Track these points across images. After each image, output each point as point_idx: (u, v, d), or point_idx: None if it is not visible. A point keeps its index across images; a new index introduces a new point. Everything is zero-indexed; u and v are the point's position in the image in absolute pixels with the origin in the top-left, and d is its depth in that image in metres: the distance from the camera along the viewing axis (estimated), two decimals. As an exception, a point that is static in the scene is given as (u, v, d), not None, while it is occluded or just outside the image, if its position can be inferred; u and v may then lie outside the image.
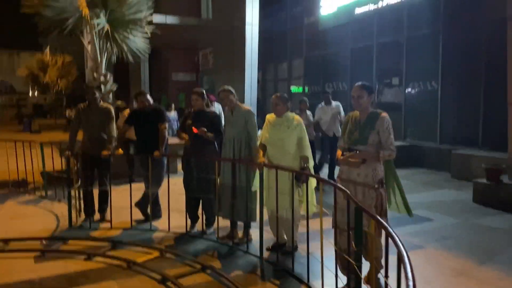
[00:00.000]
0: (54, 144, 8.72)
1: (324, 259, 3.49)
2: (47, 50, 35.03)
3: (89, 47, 9.52)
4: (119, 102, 9.99)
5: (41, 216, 6.16)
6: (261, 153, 4.49)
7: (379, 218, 2.48)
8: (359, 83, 3.58)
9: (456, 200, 7.07)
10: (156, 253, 4.56)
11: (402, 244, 2.01)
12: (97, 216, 5.82)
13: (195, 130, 4.93)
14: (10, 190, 7.79)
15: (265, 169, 4.37)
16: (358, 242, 2.71)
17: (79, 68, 30.80)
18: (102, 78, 9.40)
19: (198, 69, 22.00)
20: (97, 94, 5.71)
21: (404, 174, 8.42)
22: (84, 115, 5.70)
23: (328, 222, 3.70)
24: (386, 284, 2.44)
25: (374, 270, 3.04)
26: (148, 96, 5.82)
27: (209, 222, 5.30)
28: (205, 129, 4.91)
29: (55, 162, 8.17)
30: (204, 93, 5.40)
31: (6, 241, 4.88)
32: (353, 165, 3.42)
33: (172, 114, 12.46)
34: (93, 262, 4.38)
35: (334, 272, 3.30)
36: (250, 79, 14.12)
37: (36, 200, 7.14)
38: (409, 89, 11.08)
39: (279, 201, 4.11)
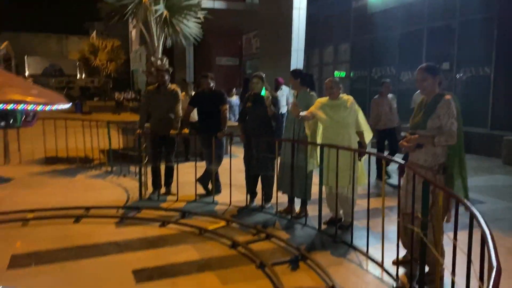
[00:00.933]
0: (111, 123, 9.30)
1: (383, 233, 3.78)
2: (94, 34, 36.37)
3: (133, 32, 10.06)
4: (173, 86, 10.47)
5: (111, 189, 6.74)
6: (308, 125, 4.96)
7: (449, 190, 2.70)
8: (423, 65, 3.53)
9: (508, 185, 7.11)
10: (222, 223, 4.98)
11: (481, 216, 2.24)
12: (163, 189, 6.31)
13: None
14: (78, 166, 8.47)
15: (324, 149, 4.66)
16: (424, 212, 2.97)
17: (126, 52, 31.94)
18: (158, 62, 9.89)
19: (241, 54, 22.35)
20: (167, 77, 6.15)
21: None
22: (154, 97, 6.16)
23: (388, 200, 3.96)
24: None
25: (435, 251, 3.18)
26: (210, 79, 6.19)
27: (268, 198, 5.67)
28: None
29: (117, 141, 8.84)
30: (264, 76, 5.72)
31: (87, 208, 5.44)
32: (408, 148, 3.50)
33: (234, 99, 12.37)
34: (167, 228, 4.85)
35: (396, 244, 3.58)
36: (296, 64, 14.28)
37: (103, 175, 7.74)
38: (460, 75, 10.96)
39: (339, 178, 4.39)
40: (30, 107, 2.64)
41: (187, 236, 4.59)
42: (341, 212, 4.89)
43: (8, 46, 10.15)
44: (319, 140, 4.90)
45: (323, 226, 4.82)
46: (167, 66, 9.95)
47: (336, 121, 4.68)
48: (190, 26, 10.33)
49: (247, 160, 5.69)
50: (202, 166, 6.27)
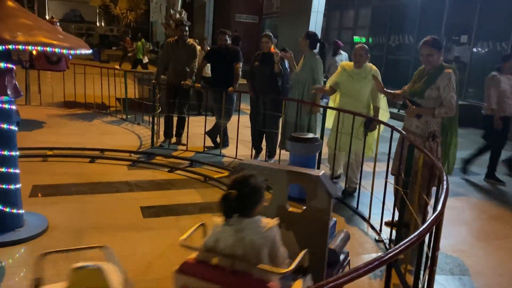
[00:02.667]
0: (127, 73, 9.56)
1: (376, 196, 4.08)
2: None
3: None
4: (191, 40, 10.62)
5: (125, 135, 7.11)
6: (318, 97, 5.05)
7: (424, 150, 2.96)
8: (428, 39, 3.60)
9: (506, 159, 7.28)
10: (226, 173, 5.31)
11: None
12: (174, 139, 6.65)
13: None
14: (95, 111, 8.84)
15: (336, 114, 4.78)
16: (407, 172, 3.24)
17: (146, 2, 31.72)
18: (177, 15, 10.01)
19: (261, 11, 22.10)
20: (186, 31, 6.34)
21: (460, 133, 8.58)
22: (172, 50, 6.38)
23: (383, 166, 4.21)
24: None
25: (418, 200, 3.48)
26: (227, 36, 6.37)
27: (271, 154, 5.98)
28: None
29: (133, 90, 9.16)
30: (272, 36, 5.90)
31: (102, 150, 5.82)
32: (409, 114, 3.70)
33: None
34: (175, 174, 5.23)
35: (381, 203, 3.88)
36: (315, 26, 14.20)
37: (118, 121, 8.11)
38: (477, 48, 10.89)
39: (351, 144, 4.51)
40: (56, 50, 2.91)
41: (193, 182, 4.96)
42: (339, 171, 5.17)
43: (31, -11, 10.34)
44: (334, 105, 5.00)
45: None
46: (185, 19, 10.06)
47: (350, 91, 4.72)
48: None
49: (253, 116, 5.96)
50: (212, 120, 6.56)
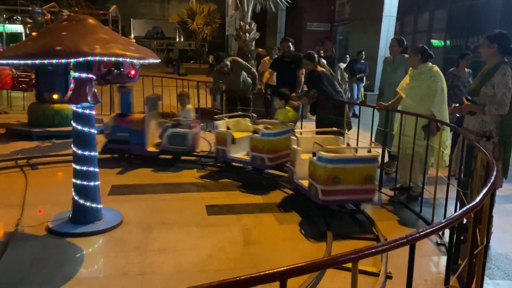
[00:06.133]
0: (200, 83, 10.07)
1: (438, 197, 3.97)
2: (193, -1, 37.85)
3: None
4: (260, 50, 10.96)
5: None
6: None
7: (482, 148, 2.84)
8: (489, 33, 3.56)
9: None
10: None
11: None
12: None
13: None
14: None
15: (399, 116, 4.65)
16: (466, 173, 3.14)
17: (221, 17, 33.01)
18: (247, 27, 10.38)
19: (333, 19, 22.02)
20: (227, 66, 6.54)
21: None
22: (221, 77, 6.73)
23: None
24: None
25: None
26: (290, 43, 6.54)
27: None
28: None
29: (205, 100, 9.64)
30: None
31: (176, 154, 6.22)
32: (461, 111, 3.57)
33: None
34: (242, 176, 5.45)
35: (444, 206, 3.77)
36: (387, 31, 13.93)
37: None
38: None
39: (411, 146, 4.40)
40: (128, 59, 3.26)
41: (256, 185, 5.14)
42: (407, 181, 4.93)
43: (116, 10, 11.32)
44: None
45: (389, 192, 4.90)
46: (254, 31, 10.40)
47: (406, 91, 4.64)
48: (280, -9, 10.64)
49: (317, 123, 6.03)
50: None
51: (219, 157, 5.59)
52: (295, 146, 4.51)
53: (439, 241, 3.68)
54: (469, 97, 3.60)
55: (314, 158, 3.96)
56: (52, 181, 5.08)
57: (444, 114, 4.41)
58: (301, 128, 6.08)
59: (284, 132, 5.17)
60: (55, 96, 7.16)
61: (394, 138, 4.89)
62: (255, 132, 5.15)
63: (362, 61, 11.24)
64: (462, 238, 3.23)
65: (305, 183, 4.23)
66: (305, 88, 6.46)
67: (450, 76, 6.39)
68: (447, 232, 3.78)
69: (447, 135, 4.45)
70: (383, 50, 13.94)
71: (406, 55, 5.23)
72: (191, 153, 6.06)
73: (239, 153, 5.49)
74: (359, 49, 14.66)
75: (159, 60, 3.68)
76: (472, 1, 12.89)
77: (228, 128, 5.49)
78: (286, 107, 5.61)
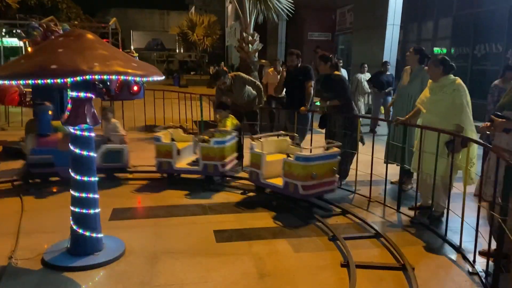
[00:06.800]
0: (203, 96, 9.82)
1: (464, 219, 3.66)
2: (193, 9, 37.86)
3: (229, 8, 10.37)
4: (263, 61, 10.72)
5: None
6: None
7: None
8: None
9: None
10: (300, 196, 5.15)
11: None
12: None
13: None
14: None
15: (419, 132, 4.36)
16: (505, 197, 2.85)
17: (221, 27, 32.98)
18: (250, 38, 10.15)
19: (334, 28, 21.86)
20: (226, 79, 6.35)
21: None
22: (224, 93, 6.49)
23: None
24: None
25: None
26: (295, 57, 6.28)
27: (344, 174, 5.68)
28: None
29: (208, 113, 9.38)
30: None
31: (178, 172, 5.91)
32: (493, 132, 3.28)
33: (363, 76, 11.16)
34: (247, 196, 5.16)
35: (474, 229, 3.46)
36: (391, 40, 13.70)
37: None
38: None
39: (433, 164, 4.05)
40: (130, 78, 2.99)
41: (265, 205, 4.84)
42: (429, 201, 4.57)
43: (115, 22, 11.12)
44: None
45: (408, 212, 4.61)
46: (257, 42, 10.17)
47: (427, 105, 4.35)
48: (282, 1, 10.41)
49: (328, 137, 5.75)
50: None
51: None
52: (259, 150, 4.93)
53: (471, 270, 3.37)
54: (498, 113, 3.30)
55: (291, 159, 4.50)
56: (51, 205, 4.76)
57: (472, 130, 4.11)
58: (311, 141, 5.80)
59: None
60: (50, 112, 6.88)
61: (414, 155, 4.60)
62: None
63: (388, 72, 10.20)
64: (502, 266, 2.92)
65: (276, 182, 4.73)
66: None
67: (496, 89, 6.02)
68: (478, 258, 3.49)
69: (473, 152, 4.13)
70: (387, 58, 13.70)
71: (426, 67, 4.94)
72: (126, 169, 5.79)
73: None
74: (361, 57, 14.45)
75: (163, 77, 3.40)
76: (478, 9, 12.68)
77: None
78: (230, 116, 5.83)
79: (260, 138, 5.21)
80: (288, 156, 4.76)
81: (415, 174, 5.22)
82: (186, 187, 5.43)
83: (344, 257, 3.52)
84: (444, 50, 14.31)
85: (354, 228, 4.26)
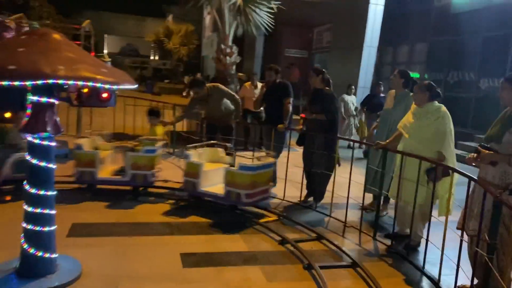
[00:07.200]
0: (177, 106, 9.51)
1: (444, 250, 3.52)
2: (170, 18, 37.51)
3: (207, 19, 10.18)
4: (240, 74, 10.53)
5: (171, 170, 6.86)
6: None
7: None
8: (508, 75, 3.24)
9: None
10: (274, 217, 4.92)
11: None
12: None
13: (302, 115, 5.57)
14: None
15: (399, 158, 4.23)
16: (492, 235, 2.71)
17: (198, 37, 32.73)
18: (228, 50, 9.95)
19: (311, 46, 22.02)
20: (201, 90, 6.17)
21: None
22: (200, 104, 6.32)
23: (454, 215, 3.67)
24: None
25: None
26: (274, 72, 6.09)
27: (319, 197, 5.51)
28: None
29: (181, 123, 9.06)
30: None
31: (145, 187, 5.59)
32: (479, 163, 3.19)
33: (350, 97, 10.52)
34: (217, 216, 4.88)
35: (454, 263, 3.32)
36: (367, 61, 13.82)
37: (165, 156, 7.92)
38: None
39: (412, 192, 3.90)
40: (98, 84, 2.71)
41: (238, 226, 4.58)
42: (406, 230, 4.30)
43: (89, 24, 10.70)
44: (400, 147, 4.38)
45: (382, 239, 4.45)
46: (235, 54, 9.99)
47: (410, 130, 4.20)
48: (262, 16, 10.29)
49: (306, 156, 5.57)
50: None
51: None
52: (196, 160, 5.06)
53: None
54: (485, 144, 3.19)
55: (234, 168, 4.75)
56: (2, 217, 4.35)
57: (453, 159, 4.01)
58: (287, 157, 5.62)
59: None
60: (7, 115, 6.38)
61: (393, 181, 4.46)
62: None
63: (382, 94, 9.38)
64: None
65: (216, 190, 4.94)
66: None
67: None
68: (458, 295, 3.34)
69: (452, 182, 3.99)
70: (363, 80, 13.82)
71: (411, 93, 4.84)
72: None
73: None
74: (338, 77, 14.49)
75: (136, 86, 3.13)
76: (452, 37, 12.97)
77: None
78: (159, 125, 5.86)
79: (196, 148, 5.39)
80: (231, 166, 4.98)
81: (391, 200, 5.12)
82: (152, 202, 5.12)
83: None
84: (417, 75, 14.54)
85: (329, 255, 4.05)
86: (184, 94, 22.51)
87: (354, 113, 10.47)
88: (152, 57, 44.20)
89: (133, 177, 5.21)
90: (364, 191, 4.92)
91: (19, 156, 4.92)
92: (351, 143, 9.01)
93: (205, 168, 5.07)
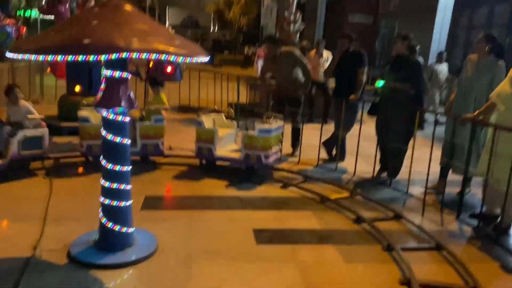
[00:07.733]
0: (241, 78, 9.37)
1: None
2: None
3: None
4: (304, 43, 10.11)
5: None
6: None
7: None
8: None
9: None
10: (346, 193, 4.70)
11: None
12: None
13: None
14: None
15: (490, 131, 3.86)
16: None
17: (257, 7, 32.22)
18: (292, 17, 9.58)
19: (377, 11, 20.83)
20: (277, 50, 5.87)
21: None
22: (270, 66, 5.95)
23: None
24: None
25: None
26: (347, 41, 5.72)
27: (394, 173, 5.19)
28: None
29: (245, 95, 8.94)
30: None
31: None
32: None
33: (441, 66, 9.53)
34: (288, 190, 4.75)
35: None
36: (441, 26, 12.84)
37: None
38: None
39: (507, 169, 3.54)
40: (172, 58, 2.60)
41: (308, 203, 4.43)
42: (497, 210, 3.97)
43: (153, -3, 10.81)
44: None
45: (469, 220, 4.09)
46: (300, 22, 9.61)
47: (504, 103, 3.75)
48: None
49: (380, 129, 5.23)
50: (326, 129, 5.97)
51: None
52: (211, 127, 5.17)
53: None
54: None
55: (252, 132, 4.97)
56: (82, 189, 4.48)
57: None
58: (359, 131, 5.31)
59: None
60: (77, 88, 6.54)
61: (482, 157, 4.05)
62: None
63: None
64: None
65: (233, 155, 5.19)
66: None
67: None
68: None
69: None
70: (436, 46, 12.86)
71: (499, 60, 4.32)
72: (46, 156, 5.05)
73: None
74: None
75: (208, 58, 2.99)
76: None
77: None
78: (161, 94, 5.90)
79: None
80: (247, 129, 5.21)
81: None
82: (223, 176, 5.07)
83: (402, 273, 3.08)
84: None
85: (409, 236, 3.79)
86: (246, 51, 22.27)
87: (445, 84, 9.44)
88: (212, 29, 44.29)
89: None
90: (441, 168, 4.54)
91: (25, 134, 4.69)
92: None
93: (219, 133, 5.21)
